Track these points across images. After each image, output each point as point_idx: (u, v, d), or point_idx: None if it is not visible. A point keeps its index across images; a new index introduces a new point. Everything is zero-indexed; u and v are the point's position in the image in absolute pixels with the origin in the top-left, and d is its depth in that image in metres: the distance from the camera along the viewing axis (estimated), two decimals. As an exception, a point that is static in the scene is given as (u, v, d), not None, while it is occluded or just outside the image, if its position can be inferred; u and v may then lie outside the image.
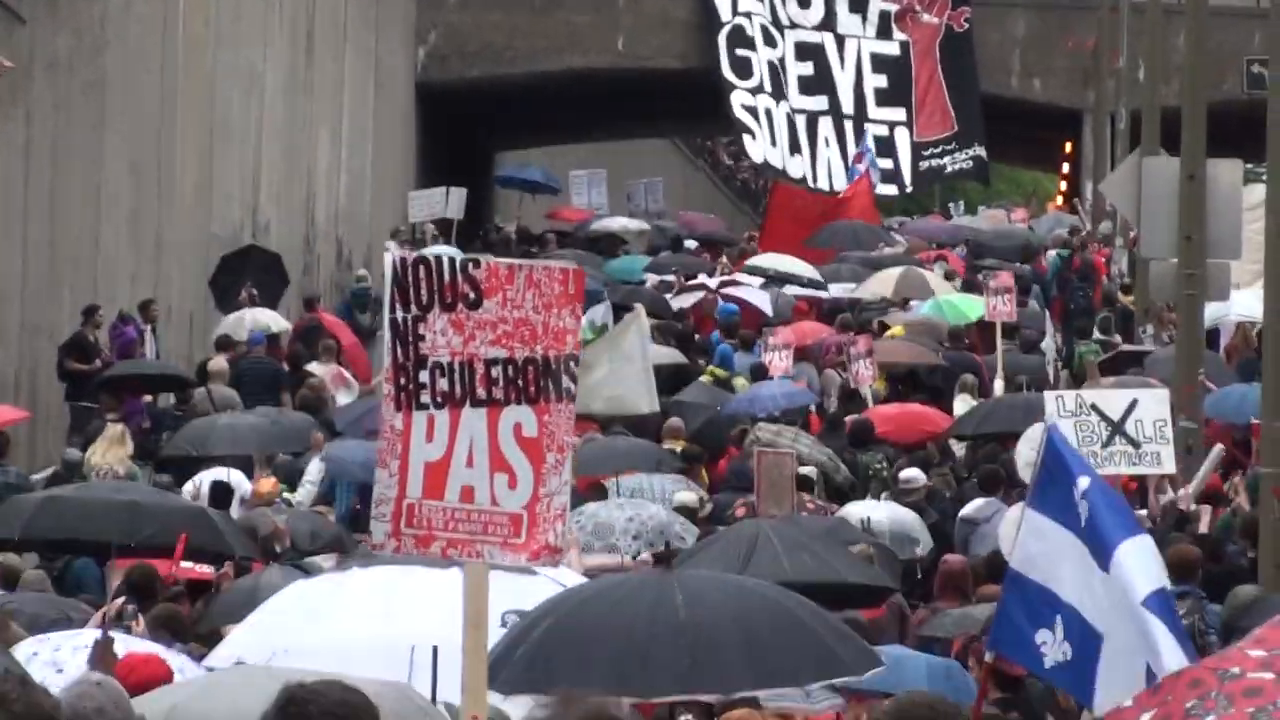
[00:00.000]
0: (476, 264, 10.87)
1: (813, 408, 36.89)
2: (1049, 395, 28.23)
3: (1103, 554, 15.60)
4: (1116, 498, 17.72)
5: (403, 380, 10.92)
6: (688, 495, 27.89)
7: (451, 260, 11.02)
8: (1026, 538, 16.35)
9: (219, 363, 39.43)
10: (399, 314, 10.86)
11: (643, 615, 13.73)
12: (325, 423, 34.35)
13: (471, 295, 10.84)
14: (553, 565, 11.59)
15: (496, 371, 10.88)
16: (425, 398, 10.89)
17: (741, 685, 14.43)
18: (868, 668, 15.27)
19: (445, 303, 10.84)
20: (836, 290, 49.78)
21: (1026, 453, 26.58)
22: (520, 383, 10.90)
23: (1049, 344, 44.49)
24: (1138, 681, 16.05)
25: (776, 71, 68.62)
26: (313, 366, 40.71)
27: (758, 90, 68.34)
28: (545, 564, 11.23)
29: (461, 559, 10.95)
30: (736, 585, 14.48)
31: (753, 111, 68.12)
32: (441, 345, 10.87)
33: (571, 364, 10.96)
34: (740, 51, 68.25)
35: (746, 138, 68.45)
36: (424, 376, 10.90)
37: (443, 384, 10.88)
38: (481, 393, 10.88)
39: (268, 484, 30.32)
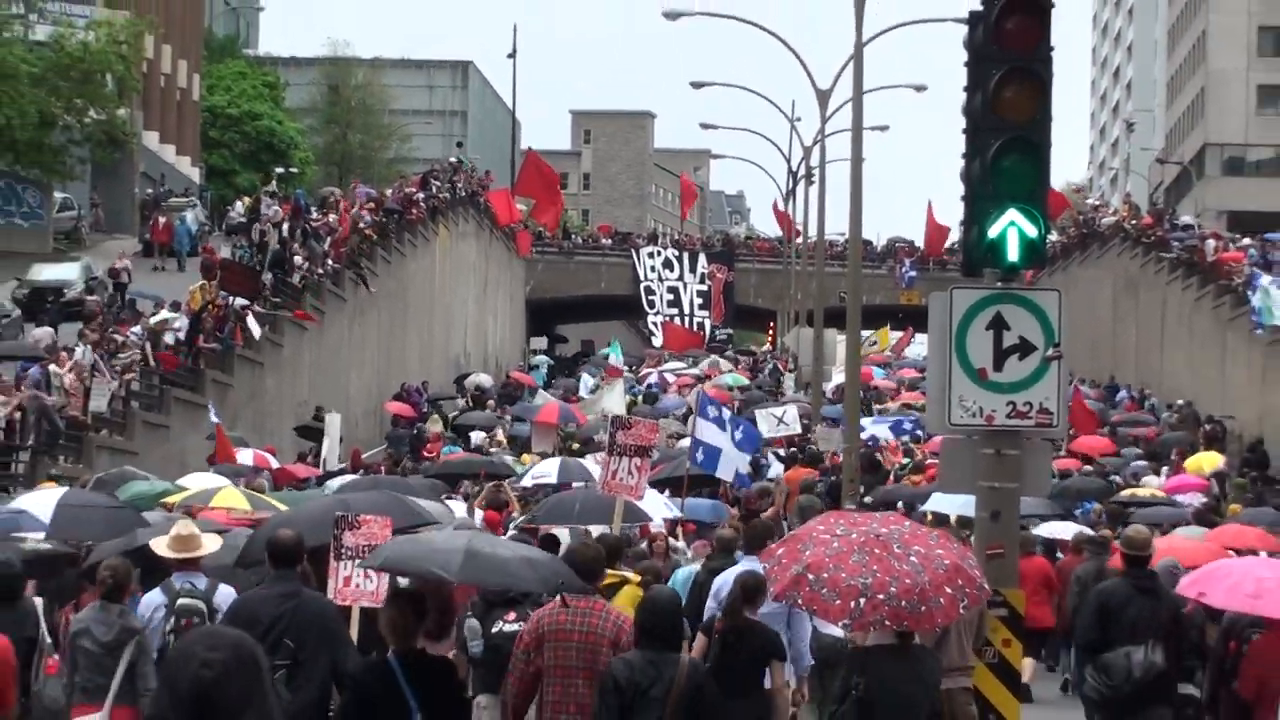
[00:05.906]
0: (629, 415, 12.65)
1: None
2: (758, 411, 26.58)
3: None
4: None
5: (609, 444, 12.03)
6: None
7: (623, 418, 12.55)
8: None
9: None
10: (608, 431, 12.07)
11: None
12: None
13: (629, 425, 12.10)
14: (640, 499, 12.48)
15: (633, 448, 11.97)
16: (615, 451, 11.91)
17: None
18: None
19: (621, 429, 11.98)
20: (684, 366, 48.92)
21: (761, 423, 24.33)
22: (640, 452, 11.95)
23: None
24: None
25: (657, 299, 68.14)
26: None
27: (654, 308, 67.64)
28: (638, 498, 12.25)
29: (619, 499, 11.97)
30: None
31: (654, 323, 67.41)
32: (619, 441, 11.92)
33: (654, 450, 12.38)
34: (650, 296, 67.53)
35: (652, 339, 67.41)
36: (615, 449, 11.95)
37: (620, 450, 11.91)
38: (628, 453, 11.94)
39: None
